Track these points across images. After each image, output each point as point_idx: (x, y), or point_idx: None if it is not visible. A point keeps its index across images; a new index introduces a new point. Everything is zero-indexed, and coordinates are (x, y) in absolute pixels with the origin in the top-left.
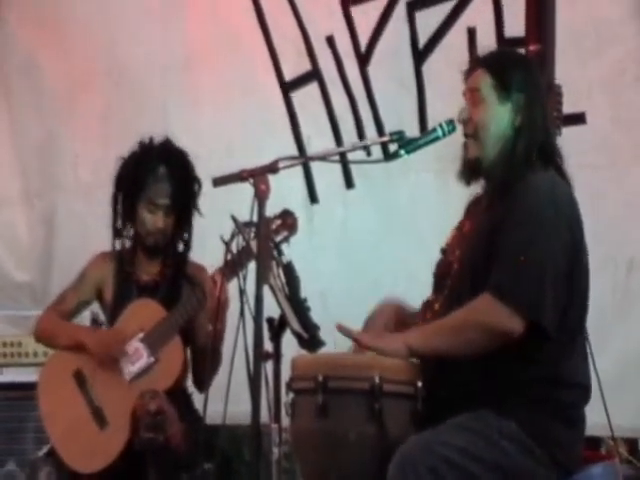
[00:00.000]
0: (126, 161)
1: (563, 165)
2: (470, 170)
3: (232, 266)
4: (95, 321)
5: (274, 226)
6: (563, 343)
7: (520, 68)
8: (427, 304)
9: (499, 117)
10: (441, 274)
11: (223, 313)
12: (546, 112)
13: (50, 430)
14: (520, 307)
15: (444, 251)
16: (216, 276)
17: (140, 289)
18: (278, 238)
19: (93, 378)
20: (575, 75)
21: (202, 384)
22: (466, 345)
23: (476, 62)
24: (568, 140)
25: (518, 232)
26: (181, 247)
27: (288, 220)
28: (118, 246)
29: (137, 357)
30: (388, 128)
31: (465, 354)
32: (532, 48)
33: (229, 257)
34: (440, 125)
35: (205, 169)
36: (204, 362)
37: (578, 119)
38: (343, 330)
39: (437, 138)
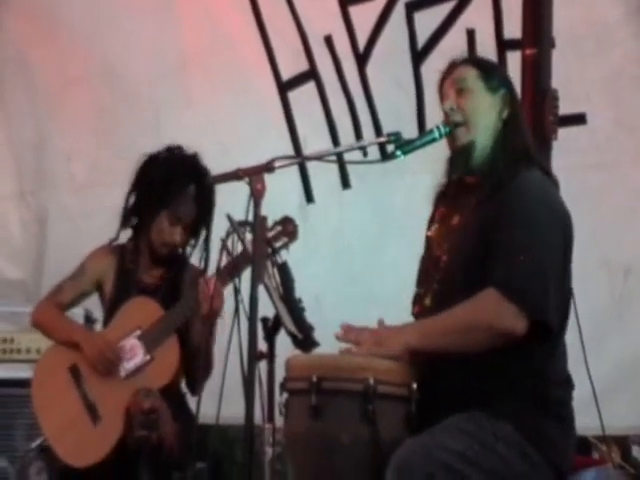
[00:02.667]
0: (156, 166)
1: (547, 167)
2: (463, 156)
3: (230, 271)
4: (88, 318)
5: (274, 232)
6: (552, 339)
7: (500, 69)
8: (416, 298)
9: (488, 105)
10: (427, 268)
11: (215, 317)
12: (524, 117)
13: (43, 423)
14: (527, 306)
15: (428, 245)
16: (212, 280)
17: (140, 290)
18: (277, 244)
19: (88, 373)
20: (575, 76)
21: (195, 387)
22: (471, 345)
23: (459, 60)
24: (568, 141)
25: (519, 231)
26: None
27: (288, 227)
28: (126, 227)
29: (133, 354)
30: (386, 129)
31: (468, 352)
32: (528, 52)
33: (227, 259)
34: (437, 127)
35: None
36: (197, 364)
37: (578, 119)
38: (344, 333)
39: (434, 139)
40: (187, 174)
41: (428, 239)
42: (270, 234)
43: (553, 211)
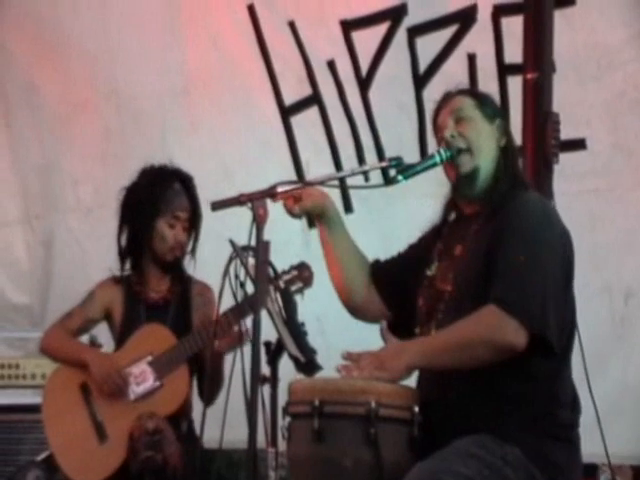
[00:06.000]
0: (136, 186)
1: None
2: (469, 182)
3: (242, 311)
4: (93, 344)
5: (290, 276)
6: (558, 360)
7: (493, 99)
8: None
9: (487, 134)
10: (430, 302)
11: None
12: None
13: (50, 436)
14: (526, 320)
15: (429, 283)
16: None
17: (149, 308)
18: (292, 288)
19: (98, 392)
20: (576, 100)
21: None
22: (472, 361)
23: (452, 92)
24: (568, 165)
25: (518, 247)
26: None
27: (304, 273)
28: (124, 270)
29: (143, 379)
30: (389, 153)
31: (469, 368)
32: (529, 76)
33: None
34: (438, 151)
35: (203, 193)
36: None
37: (578, 145)
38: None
39: (435, 164)
40: (167, 175)
41: (429, 278)
42: (286, 277)
43: (553, 227)
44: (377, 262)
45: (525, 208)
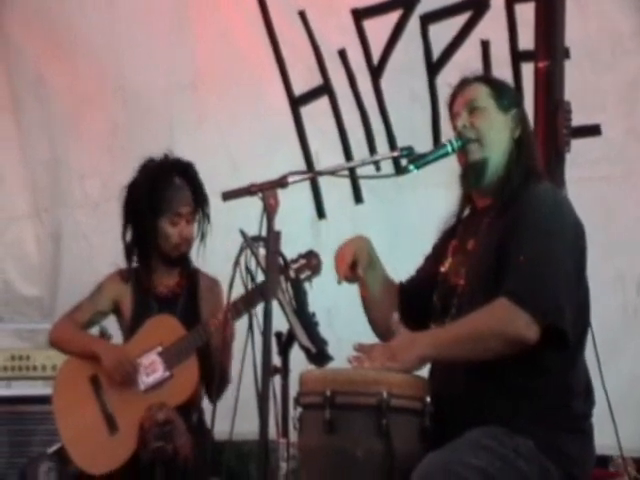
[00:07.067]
0: (135, 185)
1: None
2: (475, 171)
3: (244, 303)
4: (103, 335)
5: (298, 264)
6: (571, 351)
7: (510, 87)
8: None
9: (500, 125)
10: (444, 298)
11: (230, 341)
12: (534, 135)
13: (61, 428)
14: (539, 313)
15: (443, 279)
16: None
17: (160, 302)
18: (301, 277)
19: (108, 384)
20: (590, 87)
21: (212, 396)
22: (484, 353)
23: (469, 79)
24: (581, 152)
25: (531, 240)
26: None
27: (312, 261)
28: (132, 264)
29: (153, 369)
30: (401, 142)
31: (480, 360)
32: (541, 65)
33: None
34: (450, 141)
35: (212, 186)
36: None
37: (593, 130)
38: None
39: (447, 153)
40: (166, 170)
41: (443, 275)
42: (294, 266)
43: (564, 218)
44: (402, 288)
45: (537, 199)
